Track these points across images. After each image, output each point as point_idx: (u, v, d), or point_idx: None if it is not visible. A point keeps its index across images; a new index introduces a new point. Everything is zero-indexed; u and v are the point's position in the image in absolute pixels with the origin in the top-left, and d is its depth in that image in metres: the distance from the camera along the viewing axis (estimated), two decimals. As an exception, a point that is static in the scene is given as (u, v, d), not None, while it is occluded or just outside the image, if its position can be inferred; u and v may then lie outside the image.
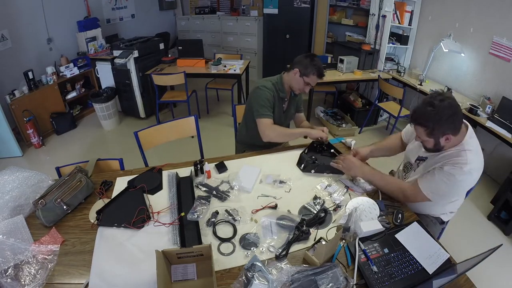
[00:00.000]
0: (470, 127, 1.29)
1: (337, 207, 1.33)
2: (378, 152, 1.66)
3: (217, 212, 1.28)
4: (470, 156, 1.19)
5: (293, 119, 2.09)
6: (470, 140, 1.25)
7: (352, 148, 1.72)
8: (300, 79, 1.74)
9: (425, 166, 1.37)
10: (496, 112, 2.60)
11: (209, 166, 1.52)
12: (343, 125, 3.72)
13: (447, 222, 1.56)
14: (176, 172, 1.51)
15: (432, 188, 1.27)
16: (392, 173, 1.84)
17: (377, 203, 1.30)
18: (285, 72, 1.83)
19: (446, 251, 1.12)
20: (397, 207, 1.34)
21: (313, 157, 1.62)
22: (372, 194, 1.42)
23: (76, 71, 3.92)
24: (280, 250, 1.10)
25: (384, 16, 3.59)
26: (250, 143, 1.98)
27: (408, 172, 1.51)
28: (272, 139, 1.77)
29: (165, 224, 1.23)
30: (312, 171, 1.55)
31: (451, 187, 1.23)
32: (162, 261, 0.97)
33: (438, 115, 1.14)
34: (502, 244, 0.98)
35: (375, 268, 1.04)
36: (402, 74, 3.54)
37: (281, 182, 1.48)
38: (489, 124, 2.48)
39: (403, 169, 1.59)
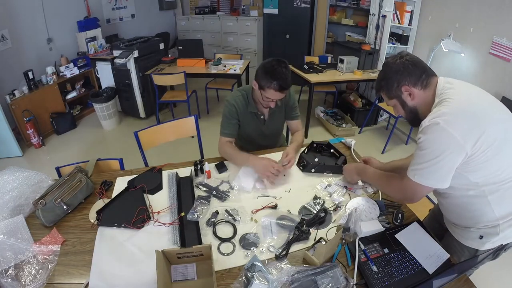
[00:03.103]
0: (444, 78, 1.08)
1: (337, 207, 1.33)
2: (390, 168, 1.43)
3: (217, 212, 1.28)
4: (443, 106, 0.96)
5: (289, 126, 1.86)
6: (447, 91, 1.01)
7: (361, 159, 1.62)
8: (259, 92, 1.51)
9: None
10: (496, 112, 2.60)
11: (209, 166, 1.52)
12: (343, 125, 3.72)
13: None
14: (176, 172, 1.51)
15: (414, 166, 1.01)
16: None
17: (377, 203, 1.30)
18: None
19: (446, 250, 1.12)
20: (397, 207, 1.34)
21: (313, 157, 1.63)
22: (372, 194, 1.42)
23: (76, 71, 3.92)
24: (280, 250, 1.10)
25: (384, 16, 3.59)
26: (244, 148, 1.83)
27: None
28: (221, 155, 1.67)
29: (165, 224, 1.23)
30: (312, 170, 1.55)
31: (426, 154, 0.96)
32: (162, 261, 0.97)
33: (385, 71, 1.08)
34: (502, 244, 0.98)
35: (375, 268, 1.04)
36: (402, 74, 3.54)
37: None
38: (489, 124, 2.48)
39: None
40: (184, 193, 1.39)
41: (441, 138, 0.92)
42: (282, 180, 1.51)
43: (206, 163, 1.52)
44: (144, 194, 1.38)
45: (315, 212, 1.28)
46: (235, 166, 1.60)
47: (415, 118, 1.10)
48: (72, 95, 3.98)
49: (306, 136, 3.50)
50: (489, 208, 1.00)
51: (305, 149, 1.71)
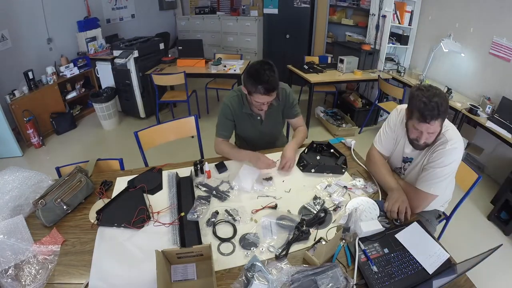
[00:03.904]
0: None
1: (337, 207, 1.33)
2: None
3: (217, 212, 1.28)
4: (448, 134, 1.25)
5: (290, 124, 1.88)
6: (448, 126, 1.29)
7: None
8: (249, 97, 1.52)
9: (413, 165, 1.40)
10: (496, 112, 2.60)
11: (209, 166, 1.52)
12: (343, 125, 3.72)
13: (450, 216, 1.59)
14: (176, 172, 1.51)
15: (438, 182, 1.25)
16: None
17: (377, 203, 1.30)
18: None
19: (446, 251, 1.12)
20: (397, 207, 1.34)
21: (314, 157, 1.63)
22: (372, 194, 1.42)
23: (76, 71, 3.92)
24: (280, 250, 1.10)
25: (384, 16, 3.59)
26: (244, 148, 1.80)
27: (400, 176, 1.53)
28: (218, 153, 1.71)
29: (165, 224, 1.23)
30: (312, 170, 1.55)
31: (452, 165, 1.24)
32: (162, 261, 0.97)
33: (446, 101, 1.17)
34: (502, 244, 0.98)
35: (375, 268, 1.04)
36: (402, 74, 3.54)
37: (267, 179, 1.49)
38: (489, 124, 2.48)
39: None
40: (184, 193, 1.39)
41: (457, 159, 1.25)
42: (282, 180, 1.51)
43: (206, 163, 1.52)
44: (144, 194, 1.38)
45: (315, 212, 1.28)
46: (235, 166, 1.60)
47: (432, 144, 1.30)
48: (72, 95, 3.98)
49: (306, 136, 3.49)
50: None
51: (305, 149, 1.71)
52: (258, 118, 1.72)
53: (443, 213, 1.68)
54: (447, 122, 1.28)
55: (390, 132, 1.48)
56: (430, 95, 1.16)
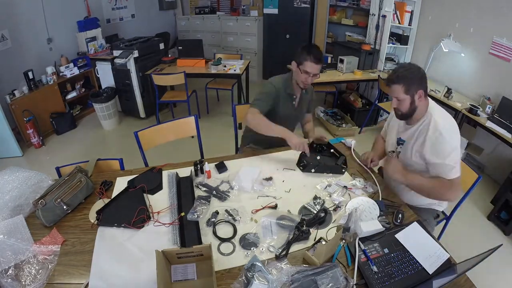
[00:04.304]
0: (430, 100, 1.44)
1: (337, 207, 1.33)
2: (381, 156, 1.71)
3: (217, 212, 1.28)
4: (441, 125, 1.33)
5: (303, 119, 2.08)
6: (435, 108, 1.40)
7: (366, 158, 1.65)
8: (298, 70, 1.69)
9: (406, 147, 1.47)
10: (496, 112, 2.60)
11: (209, 166, 1.52)
12: (343, 125, 3.72)
13: (450, 216, 1.63)
14: (176, 172, 1.52)
15: (454, 167, 1.31)
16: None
17: (377, 203, 1.30)
18: None
19: (446, 251, 1.12)
20: (397, 207, 1.34)
21: (314, 157, 1.62)
22: (372, 194, 1.42)
23: (76, 71, 3.92)
24: (280, 250, 1.10)
25: (384, 16, 3.59)
26: (256, 138, 1.96)
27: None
28: (249, 125, 1.72)
29: (165, 224, 1.23)
30: (312, 170, 1.55)
31: (457, 146, 1.33)
32: (162, 261, 0.97)
33: (411, 73, 1.33)
34: (502, 244, 0.98)
35: (375, 268, 1.04)
36: (402, 74, 3.54)
37: (267, 179, 1.50)
38: (489, 124, 2.48)
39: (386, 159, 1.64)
40: (184, 193, 1.39)
41: (458, 138, 1.35)
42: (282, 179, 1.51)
43: (206, 163, 1.52)
44: (144, 194, 1.38)
45: (315, 212, 1.28)
46: (235, 166, 1.60)
47: (409, 115, 1.40)
48: (72, 95, 3.98)
49: (306, 136, 3.49)
50: None
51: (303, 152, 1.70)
52: (294, 102, 1.86)
53: (443, 212, 1.68)
54: (432, 104, 1.41)
55: (386, 124, 1.72)
56: (400, 65, 1.39)
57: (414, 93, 1.33)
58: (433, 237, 1.18)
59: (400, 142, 1.51)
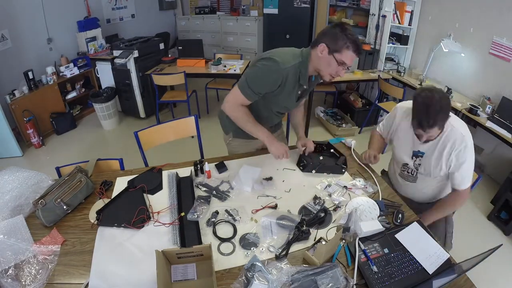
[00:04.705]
0: None
1: (337, 207, 1.33)
2: (379, 152, 1.69)
3: (217, 212, 1.28)
4: (456, 129, 1.35)
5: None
6: (452, 117, 1.36)
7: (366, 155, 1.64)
8: (329, 57, 1.26)
9: (427, 159, 1.44)
10: (496, 112, 2.60)
11: (209, 166, 1.51)
12: (343, 125, 3.72)
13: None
14: (176, 172, 1.51)
15: (469, 176, 1.39)
16: (384, 172, 1.87)
17: (377, 203, 1.29)
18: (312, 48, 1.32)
19: (446, 251, 1.12)
20: (397, 207, 1.34)
21: (314, 157, 1.62)
22: (372, 194, 1.42)
23: (76, 71, 3.92)
24: (280, 250, 1.10)
25: (384, 16, 3.59)
26: (240, 130, 1.56)
27: (409, 173, 1.54)
28: (229, 115, 1.46)
29: (165, 224, 1.23)
30: (313, 171, 1.56)
31: (471, 164, 1.37)
32: (162, 261, 0.97)
33: (445, 110, 1.24)
34: (502, 244, 0.98)
35: (375, 268, 1.04)
36: (402, 74, 3.54)
37: (267, 179, 1.49)
38: (489, 124, 2.48)
39: (400, 172, 1.60)
40: (184, 193, 1.39)
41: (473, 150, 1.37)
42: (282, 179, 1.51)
43: (206, 163, 1.51)
44: (144, 194, 1.38)
45: (315, 212, 1.28)
46: (235, 166, 1.59)
47: (436, 138, 1.39)
48: (72, 95, 3.98)
49: (306, 135, 3.48)
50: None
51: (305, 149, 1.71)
52: (299, 92, 1.47)
53: None
54: (459, 123, 1.38)
55: (387, 125, 1.65)
56: (431, 103, 1.22)
57: (444, 125, 1.31)
58: (433, 237, 1.18)
59: (419, 154, 1.47)
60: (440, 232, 1.53)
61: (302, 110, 1.79)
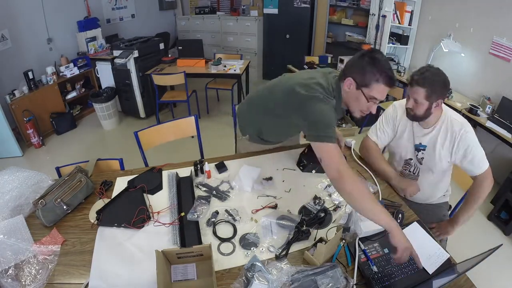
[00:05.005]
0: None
1: (337, 207, 1.33)
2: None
3: (217, 212, 1.28)
4: (455, 119, 1.40)
5: None
6: (447, 108, 1.45)
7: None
8: (357, 93, 1.16)
9: (430, 152, 1.45)
10: (496, 112, 2.60)
11: (209, 166, 1.51)
12: (343, 125, 3.72)
13: (450, 216, 1.65)
14: (176, 172, 1.51)
15: (482, 158, 1.37)
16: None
17: (377, 203, 1.29)
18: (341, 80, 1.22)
19: (446, 251, 1.12)
20: (397, 207, 1.34)
21: (314, 157, 1.62)
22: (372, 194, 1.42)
23: (76, 71, 3.92)
24: (280, 250, 1.10)
25: (384, 16, 3.59)
26: (258, 137, 1.59)
27: (411, 171, 1.55)
28: (348, 195, 1.07)
29: (165, 224, 1.23)
30: (313, 171, 1.55)
31: (478, 147, 1.37)
32: (162, 261, 0.97)
33: (438, 80, 1.30)
34: (502, 244, 0.98)
35: (375, 268, 1.04)
36: (402, 74, 3.54)
37: (267, 179, 1.49)
38: (489, 124, 2.49)
39: (402, 171, 1.60)
40: (184, 193, 1.39)
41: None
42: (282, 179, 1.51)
43: (206, 163, 1.51)
44: (144, 194, 1.38)
45: (315, 212, 1.28)
46: (235, 166, 1.59)
47: (421, 118, 1.40)
48: (72, 95, 3.98)
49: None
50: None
51: (305, 149, 1.71)
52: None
53: None
54: (448, 109, 1.43)
55: (386, 125, 1.58)
56: (427, 67, 1.34)
57: (434, 101, 1.32)
58: (433, 237, 1.18)
59: (420, 148, 1.48)
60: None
61: None
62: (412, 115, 1.41)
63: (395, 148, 1.60)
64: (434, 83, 1.29)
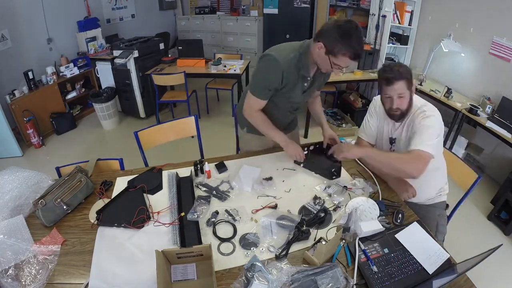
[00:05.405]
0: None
1: (337, 207, 1.33)
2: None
3: (217, 212, 1.28)
4: (428, 106, 1.38)
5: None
6: (418, 99, 1.44)
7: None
8: (325, 57, 1.28)
9: (398, 144, 1.48)
10: (496, 112, 2.60)
11: (209, 166, 1.52)
12: (343, 125, 3.72)
13: (450, 216, 1.64)
14: (176, 172, 1.52)
15: (426, 140, 1.26)
16: None
17: (377, 203, 1.30)
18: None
19: (446, 251, 1.12)
20: (397, 207, 1.34)
21: (316, 159, 1.61)
22: (372, 194, 1.42)
23: (76, 71, 3.92)
24: (280, 250, 1.10)
25: (384, 16, 3.59)
26: (254, 127, 1.64)
27: None
28: (249, 121, 1.56)
29: (165, 224, 1.23)
30: (313, 172, 1.55)
31: (436, 127, 1.31)
32: (162, 261, 0.97)
33: (406, 68, 1.34)
34: (502, 244, 0.98)
35: (375, 268, 1.04)
36: (402, 74, 3.54)
37: (267, 179, 1.49)
38: (489, 124, 2.48)
39: None
40: (184, 193, 1.39)
41: (439, 124, 1.33)
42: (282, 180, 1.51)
43: (206, 163, 1.52)
44: (144, 194, 1.38)
45: (315, 212, 1.28)
46: (235, 166, 1.60)
47: (406, 113, 1.40)
48: (72, 95, 3.98)
49: (306, 136, 3.51)
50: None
51: (309, 147, 1.69)
52: (305, 84, 1.47)
53: None
54: (423, 101, 1.41)
55: (370, 119, 1.60)
56: (391, 64, 1.36)
57: (411, 87, 1.36)
58: (433, 237, 1.18)
59: (392, 141, 1.52)
60: (432, 224, 1.51)
61: (319, 101, 1.84)
62: (398, 115, 1.39)
63: (378, 140, 1.63)
64: (406, 72, 1.33)
